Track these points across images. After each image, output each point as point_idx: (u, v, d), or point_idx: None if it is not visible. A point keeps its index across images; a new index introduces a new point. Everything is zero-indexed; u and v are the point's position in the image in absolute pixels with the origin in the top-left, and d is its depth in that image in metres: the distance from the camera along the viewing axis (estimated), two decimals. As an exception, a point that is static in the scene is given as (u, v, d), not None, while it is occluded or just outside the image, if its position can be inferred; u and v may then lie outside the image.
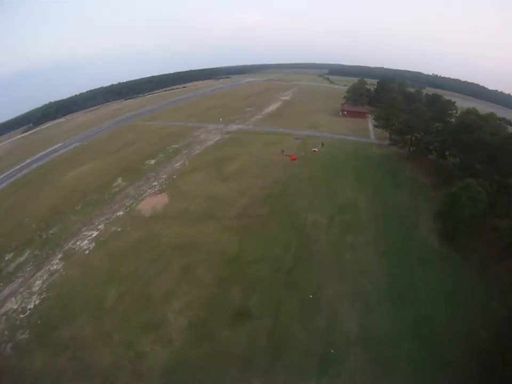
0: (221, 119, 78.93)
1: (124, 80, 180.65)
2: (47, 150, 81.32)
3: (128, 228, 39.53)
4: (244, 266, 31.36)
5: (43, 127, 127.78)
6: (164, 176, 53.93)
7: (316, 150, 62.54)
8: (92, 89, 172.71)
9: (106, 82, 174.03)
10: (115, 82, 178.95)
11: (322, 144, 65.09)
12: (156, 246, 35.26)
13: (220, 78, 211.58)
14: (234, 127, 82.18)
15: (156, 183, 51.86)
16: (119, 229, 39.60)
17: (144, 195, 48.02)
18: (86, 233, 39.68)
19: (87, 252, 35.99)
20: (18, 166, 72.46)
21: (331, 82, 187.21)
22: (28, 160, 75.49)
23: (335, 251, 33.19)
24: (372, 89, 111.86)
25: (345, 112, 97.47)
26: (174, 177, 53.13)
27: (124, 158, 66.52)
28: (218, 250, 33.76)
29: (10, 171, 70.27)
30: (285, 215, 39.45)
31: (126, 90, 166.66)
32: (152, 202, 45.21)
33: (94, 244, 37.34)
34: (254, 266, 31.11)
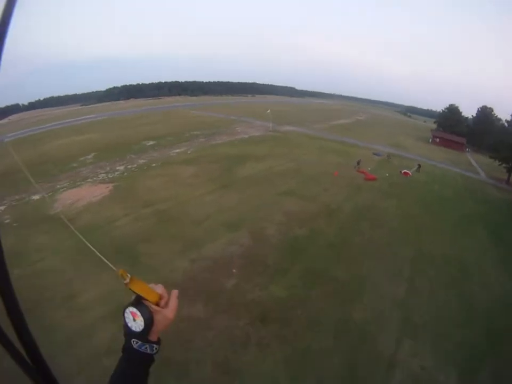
0: (268, 111, 55.44)
1: (191, 80, 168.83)
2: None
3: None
4: None
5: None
6: (141, 162, 31.08)
7: (409, 172, 35.30)
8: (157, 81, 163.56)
9: (170, 79, 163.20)
10: (181, 80, 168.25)
11: (419, 166, 37.91)
12: None
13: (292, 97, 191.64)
14: (287, 127, 57.75)
15: (122, 167, 29.75)
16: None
17: (88, 180, 25.97)
18: None
19: None
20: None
21: (409, 116, 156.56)
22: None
23: None
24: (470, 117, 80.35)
25: (437, 139, 68.86)
26: (153, 165, 30.01)
27: (129, 135, 46.37)
28: None
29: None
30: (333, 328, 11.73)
31: (193, 88, 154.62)
32: (80, 194, 22.56)
33: None
34: None
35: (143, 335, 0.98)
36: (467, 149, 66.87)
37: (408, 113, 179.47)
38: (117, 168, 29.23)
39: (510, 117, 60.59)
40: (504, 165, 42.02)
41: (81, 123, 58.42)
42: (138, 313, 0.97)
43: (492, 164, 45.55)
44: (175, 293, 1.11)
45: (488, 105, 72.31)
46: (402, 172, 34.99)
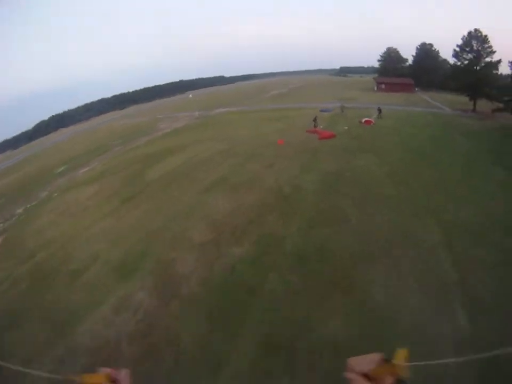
0: (190, 95, 45.53)
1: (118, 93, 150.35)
2: None
3: None
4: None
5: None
6: (43, 195, 21.88)
7: (372, 120, 27.48)
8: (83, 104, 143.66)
9: (97, 97, 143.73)
10: (108, 96, 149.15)
11: (380, 110, 29.94)
12: None
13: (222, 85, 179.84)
14: (217, 110, 47.81)
15: (21, 209, 19.53)
16: None
17: None
18: None
19: None
20: None
21: (344, 76, 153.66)
22: None
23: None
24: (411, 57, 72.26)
25: (382, 86, 61.48)
26: (54, 195, 21.04)
27: (42, 166, 35.11)
28: None
29: None
30: None
31: (122, 101, 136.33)
32: None
33: None
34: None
35: None
36: (416, 89, 61.12)
37: (343, 73, 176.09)
38: (17, 211, 20.34)
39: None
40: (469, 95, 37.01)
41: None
42: None
43: (449, 98, 39.84)
44: (126, 372, 1.11)
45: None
46: (363, 120, 27.01)
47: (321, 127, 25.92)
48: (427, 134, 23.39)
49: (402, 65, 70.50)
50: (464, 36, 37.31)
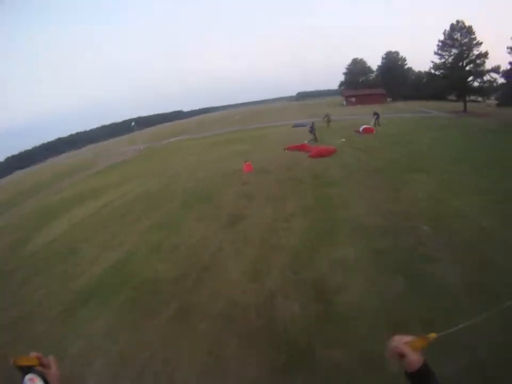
0: (133, 123, 36.77)
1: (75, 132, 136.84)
2: None
3: None
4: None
5: None
6: None
7: (372, 128, 20.34)
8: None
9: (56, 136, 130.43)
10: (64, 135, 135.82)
11: (377, 115, 22.74)
12: None
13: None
14: (169, 140, 38.86)
15: None
16: None
17: None
18: None
19: None
20: None
21: (304, 100, 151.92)
22: None
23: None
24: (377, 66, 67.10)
25: (352, 99, 55.91)
26: None
27: None
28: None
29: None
30: None
31: (79, 139, 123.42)
32: None
33: None
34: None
35: None
36: (388, 99, 56.37)
37: (301, 98, 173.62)
38: None
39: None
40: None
41: None
42: (36, 377, 1.03)
43: (428, 104, 34.84)
44: (53, 358, 1.15)
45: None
46: (361, 129, 19.35)
47: (305, 142, 17.75)
48: (456, 136, 16.08)
49: (370, 75, 66.17)
50: (445, 30, 32.35)
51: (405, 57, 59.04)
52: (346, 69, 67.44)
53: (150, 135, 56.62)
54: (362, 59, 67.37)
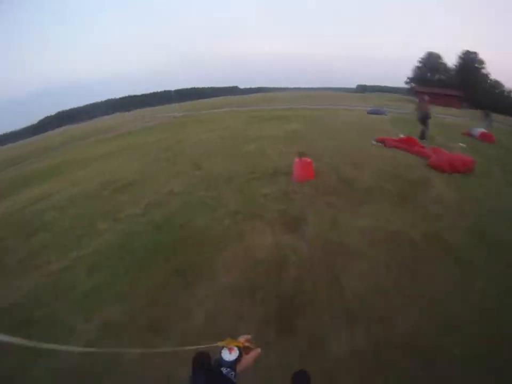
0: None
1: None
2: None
3: None
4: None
5: None
6: None
7: (490, 134, 12.37)
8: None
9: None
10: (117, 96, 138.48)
11: (490, 117, 15.44)
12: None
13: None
14: (208, 111, 33.10)
15: None
16: None
17: None
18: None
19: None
20: None
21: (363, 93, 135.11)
22: None
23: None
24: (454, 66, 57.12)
25: (426, 97, 44.37)
26: None
27: None
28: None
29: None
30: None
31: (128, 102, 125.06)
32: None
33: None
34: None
35: (233, 364, 1.13)
36: (463, 105, 45.25)
37: (362, 92, 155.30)
38: None
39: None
40: None
41: None
42: (235, 348, 1.14)
43: None
44: (258, 349, 1.22)
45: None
46: (477, 133, 12.50)
47: (401, 135, 10.63)
48: None
49: (444, 75, 55.98)
50: None
51: (484, 60, 50.08)
52: (419, 62, 58.35)
53: (195, 105, 51.41)
54: (438, 54, 57.14)
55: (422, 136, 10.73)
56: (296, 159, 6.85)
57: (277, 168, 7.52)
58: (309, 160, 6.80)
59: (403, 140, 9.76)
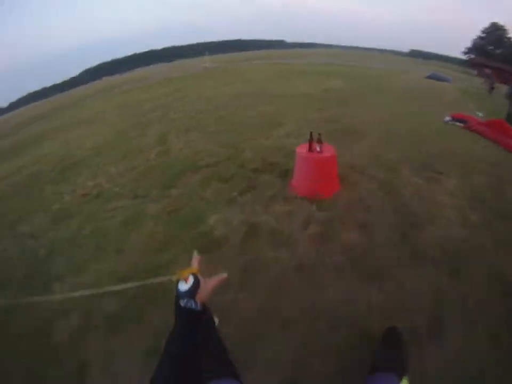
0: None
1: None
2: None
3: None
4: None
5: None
6: None
7: None
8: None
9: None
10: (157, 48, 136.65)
11: None
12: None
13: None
14: (246, 62, 30.30)
15: None
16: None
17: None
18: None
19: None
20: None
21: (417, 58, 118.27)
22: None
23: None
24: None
25: (485, 70, 38.12)
26: None
27: None
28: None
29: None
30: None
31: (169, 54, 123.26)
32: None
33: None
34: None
35: (190, 292, 1.04)
36: None
37: (415, 57, 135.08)
38: None
39: None
40: None
41: None
42: (190, 276, 1.07)
43: None
44: (223, 276, 1.11)
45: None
46: None
47: (479, 114, 7.93)
48: None
49: (510, 50, 48.52)
50: None
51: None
52: (483, 32, 53.13)
53: (232, 57, 47.00)
54: (503, 26, 51.33)
55: (509, 118, 7.25)
56: (302, 149, 3.71)
57: (277, 155, 4.56)
58: (329, 153, 3.61)
59: (495, 124, 6.14)
